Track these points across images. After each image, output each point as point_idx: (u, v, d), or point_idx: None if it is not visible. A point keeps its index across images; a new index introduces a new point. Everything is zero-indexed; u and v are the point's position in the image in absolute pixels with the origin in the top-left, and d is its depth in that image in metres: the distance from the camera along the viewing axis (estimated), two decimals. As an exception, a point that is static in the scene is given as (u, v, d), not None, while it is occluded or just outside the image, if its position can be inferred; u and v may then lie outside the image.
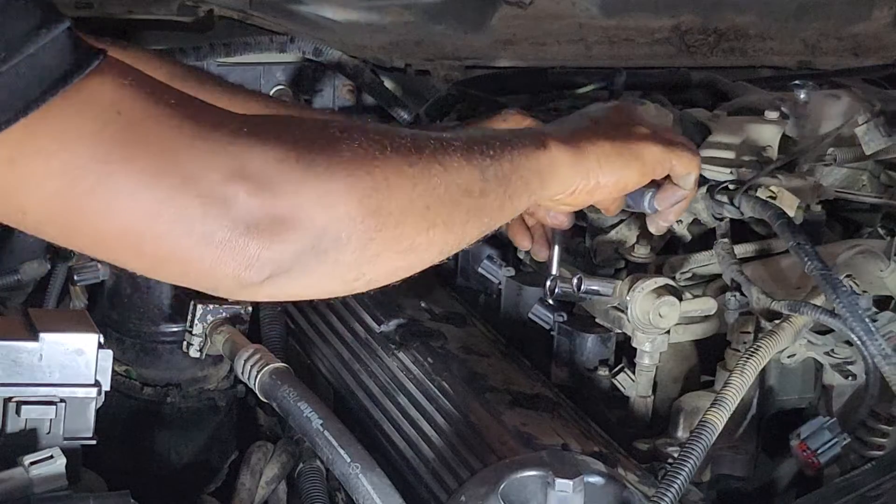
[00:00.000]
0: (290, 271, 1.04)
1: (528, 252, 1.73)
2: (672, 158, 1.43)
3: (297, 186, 1.02)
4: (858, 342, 1.39)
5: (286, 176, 1.02)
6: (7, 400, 1.36)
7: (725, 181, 1.62)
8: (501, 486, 1.29)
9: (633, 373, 1.57)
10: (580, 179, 1.33)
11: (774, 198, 1.60)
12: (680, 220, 1.67)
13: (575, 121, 1.40)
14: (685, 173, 1.46)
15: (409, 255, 1.14)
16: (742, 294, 1.52)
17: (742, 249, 1.64)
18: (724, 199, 1.58)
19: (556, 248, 1.62)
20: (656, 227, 1.54)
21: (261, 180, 1.00)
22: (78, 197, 0.97)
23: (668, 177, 1.46)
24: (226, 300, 1.70)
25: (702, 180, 1.64)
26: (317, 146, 1.05)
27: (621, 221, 1.70)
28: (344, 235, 1.05)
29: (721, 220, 1.60)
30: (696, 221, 1.68)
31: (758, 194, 1.59)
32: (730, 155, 1.89)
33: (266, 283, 1.04)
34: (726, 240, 1.58)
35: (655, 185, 1.47)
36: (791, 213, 1.57)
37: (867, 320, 1.37)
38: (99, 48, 1.00)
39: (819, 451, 1.47)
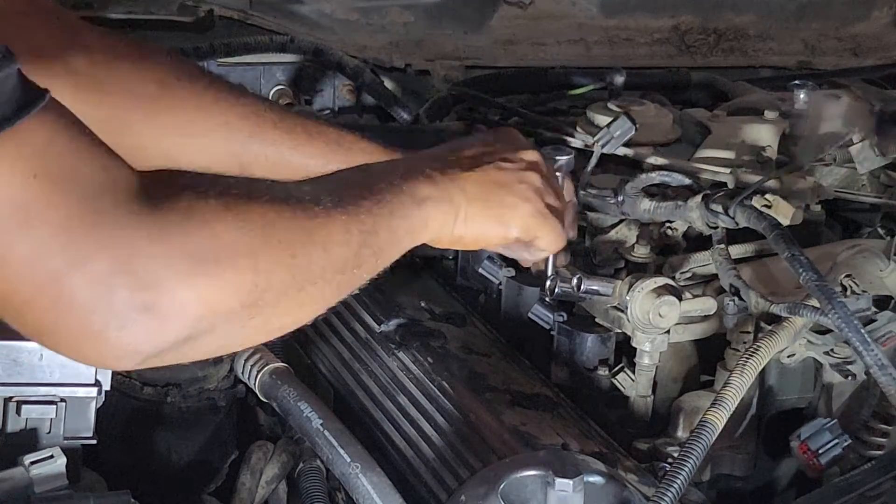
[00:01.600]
0: (161, 356, 1.06)
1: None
2: (538, 234, 1.42)
3: (178, 285, 1.03)
4: (855, 353, 1.40)
5: (169, 275, 1.03)
6: (7, 399, 1.36)
7: (720, 191, 1.62)
8: (501, 486, 1.29)
9: (633, 372, 1.57)
10: (446, 233, 1.33)
11: (770, 206, 1.60)
12: (675, 228, 1.67)
13: (462, 157, 1.38)
14: (543, 250, 1.47)
15: (277, 331, 1.16)
16: (741, 298, 1.52)
17: (741, 249, 1.64)
18: (719, 208, 1.58)
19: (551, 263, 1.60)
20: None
21: (143, 277, 1.01)
22: None
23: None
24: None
25: (697, 187, 1.65)
26: (205, 238, 1.05)
27: (621, 221, 1.71)
28: (217, 325, 1.07)
29: (715, 228, 1.61)
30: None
31: (753, 202, 1.59)
32: (729, 155, 1.89)
33: (142, 363, 1.06)
34: (723, 246, 1.59)
35: None
36: (786, 222, 1.57)
37: (863, 331, 1.37)
38: (41, 91, 0.99)
39: (820, 453, 1.47)
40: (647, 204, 1.66)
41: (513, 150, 1.43)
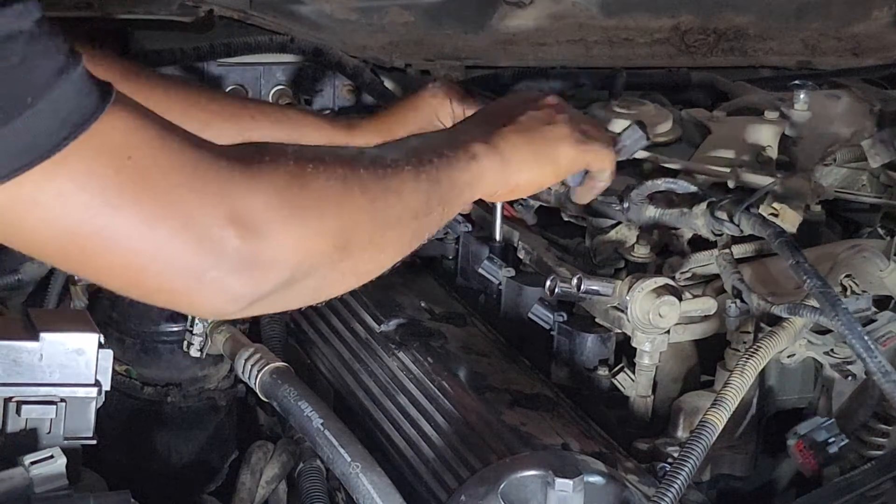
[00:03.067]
0: (265, 300, 1.14)
1: (527, 252, 1.73)
2: (587, 157, 1.52)
3: (280, 231, 1.12)
4: (859, 359, 1.40)
5: (271, 222, 1.11)
6: (7, 400, 1.36)
7: (725, 198, 1.62)
8: (501, 486, 1.29)
9: (633, 373, 1.57)
10: (502, 184, 1.42)
11: (777, 215, 1.61)
12: (681, 236, 1.68)
13: (497, 117, 1.47)
14: (599, 170, 1.55)
15: (365, 275, 1.25)
16: (742, 301, 1.52)
17: (741, 249, 1.64)
18: (724, 216, 1.59)
19: (498, 209, 1.74)
20: (574, 202, 1.65)
21: (249, 226, 1.09)
22: (87, 236, 1.04)
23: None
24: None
25: (701, 196, 1.65)
26: (295, 188, 1.14)
27: (621, 221, 1.71)
28: (314, 268, 1.16)
29: (720, 235, 1.61)
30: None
31: (761, 210, 1.60)
32: (730, 155, 1.89)
33: (242, 311, 1.14)
34: (727, 251, 1.59)
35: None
36: (793, 230, 1.58)
37: (866, 337, 1.37)
38: (108, 85, 1.05)
39: (816, 451, 1.47)
40: (652, 211, 1.67)
41: (534, 101, 1.53)
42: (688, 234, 1.68)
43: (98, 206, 1.03)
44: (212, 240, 1.08)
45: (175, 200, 1.06)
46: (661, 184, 1.69)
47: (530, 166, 1.44)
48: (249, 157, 1.13)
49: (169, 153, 1.08)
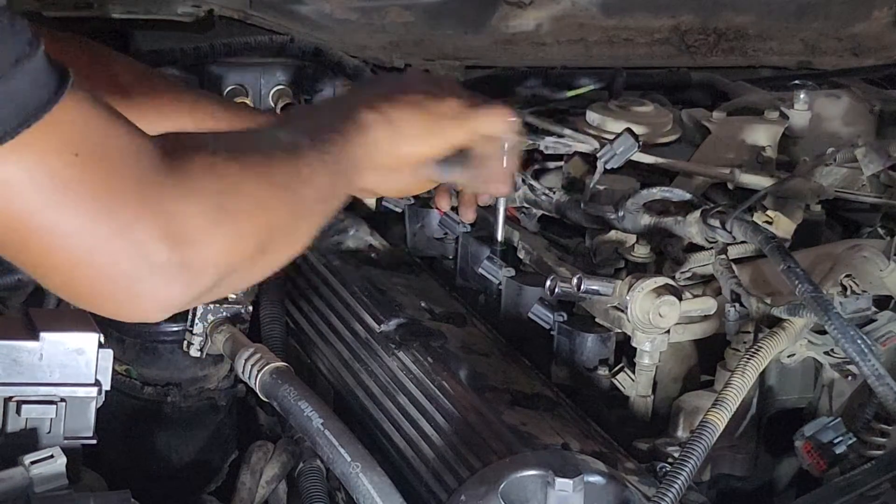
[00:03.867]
0: (192, 302, 1.17)
1: (527, 252, 1.73)
2: (476, 119, 1.51)
3: (210, 239, 1.13)
4: (853, 363, 1.40)
5: (202, 230, 1.12)
6: (7, 399, 1.36)
7: (718, 206, 1.63)
8: (501, 486, 1.29)
9: (633, 372, 1.57)
10: (389, 152, 1.44)
11: (771, 223, 1.61)
12: (673, 245, 1.68)
13: (389, 87, 1.50)
14: (496, 130, 1.53)
15: (279, 266, 1.26)
16: (742, 305, 1.53)
17: (741, 249, 1.64)
18: (717, 223, 1.59)
19: (501, 211, 1.72)
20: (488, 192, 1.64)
21: (181, 237, 1.11)
22: (29, 229, 1.05)
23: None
24: (225, 299, 1.70)
25: (696, 203, 1.65)
26: (226, 193, 1.15)
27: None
28: (238, 269, 1.18)
29: (714, 242, 1.61)
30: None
31: (755, 218, 1.60)
32: (730, 155, 1.89)
33: (170, 311, 1.16)
34: (724, 256, 1.59)
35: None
36: (787, 237, 1.59)
37: (860, 341, 1.37)
38: (66, 72, 1.06)
39: (825, 451, 1.47)
40: (647, 219, 1.67)
41: (431, 81, 1.56)
42: (683, 242, 1.68)
43: (43, 200, 1.04)
44: (146, 249, 1.09)
45: (115, 207, 1.07)
46: (657, 192, 1.69)
47: (422, 137, 1.46)
48: (182, 157, 1.13)
49: (113, 153, 1.08)
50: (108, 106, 1.10)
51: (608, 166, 1.73)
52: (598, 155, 1.73)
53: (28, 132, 1.02)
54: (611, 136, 1.77)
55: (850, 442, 1.48)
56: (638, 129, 1.79)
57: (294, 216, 1.25)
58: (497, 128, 1.53)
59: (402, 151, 1.45)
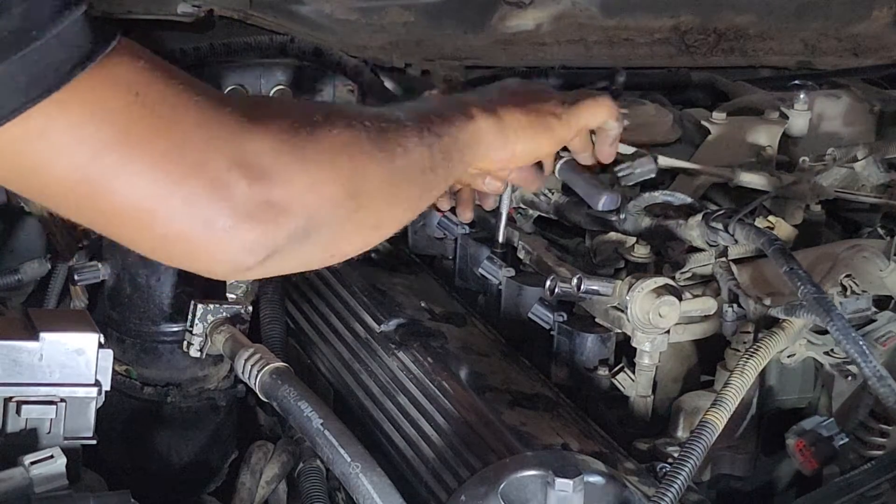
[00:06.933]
0: (281, 252, 1.12)
1: (527, 252, 1.73)
2: (581, 114, 1.52)
3: (291, 175, 1.10)
4: (854, 364, 1.40)
5: (281, 165, 1.10)
6: (7, 400, 1.36)
7: (721, 209, 1.63)
8: (501, 486, 1.29)
9: (633, 373, 1.57)
10: (499, 149, 1.43)
11: (772, 228, 1.62)
12: (673, 248, 1.68)
13: (491, 91, 1.50)
14: (601, 121, 1.55)
15: (377, 230, 1.25)
16: (739, 305, 1.53)
17: (740, 249, 1.65)
18: (719, 226, 1.59)
19: (503, 217, 1.72)
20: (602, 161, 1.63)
21: (259, 170, 1.08)
22: (98, 172, 1.03)
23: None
24: (225, 299, 1.70)
25: (697, 207, 1.66)
26: (303, 134, 1.13)
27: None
28: (329, 217, 1.15)
29: (715, 245, 1.62)
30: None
31: (756, 223, 1.60)
32: (730, 155, 1.89)
33: (259, 265, 1.12)
34: (724, 259, 1.59)
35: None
36: (788, 243, 1.59)
37: (861, 343, 1.38)
38: (111, 27, 1.05)
39: (815, 450, 1.47)
40: (648, 222, 1.67)
41: (527, 83, 1.55)
42: (684, 245, 1.68)
43: (108, 141, 1.02)
44: (222, 183, 1.06)
45: (183, 141, 1.05)
46: (658, 196, 1.69)
47: (527, 132, 1.45)
48: (255, 105, 1.12)
49: (176, 92, 1.06)
50: (163, 59, 1.08)
51: (623, 183, 1.73)
52: (615, 170, 1.73)
53: (84, 75, 1.01)
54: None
55: (843, 442, 1.48)
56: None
57: (386, 174, 1.21)
58: (602, 118, 1.55)
59: (509, 149, 1.44)
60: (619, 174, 1.73)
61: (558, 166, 1.61)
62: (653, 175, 1.73)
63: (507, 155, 1.44)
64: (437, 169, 1.29)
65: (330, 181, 1.14)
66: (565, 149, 1.58)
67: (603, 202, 1.58)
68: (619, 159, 1.71)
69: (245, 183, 1.06)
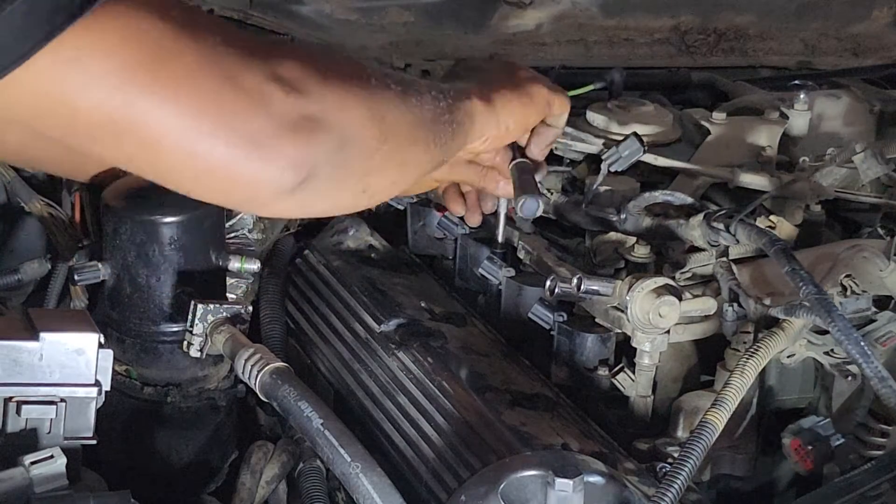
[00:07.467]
0: (318, 175, 1.14)
1: (527, 252, 1.73)
2: (555, 96, 1.56)
3: (322, 90, 1.13)
4: (856, 365, 1.40)
5: (313, 81, 1.12)
6: (7, 400, 1.36)
7: (722, 210, 1.63)
8: (501, 486, 1.29)
9: (633, 373, 1.57)
10: (493, 126, 1.46)
11: (774, 228, 1.62)
12: (674, 248, 1.68)
13: (477, 76, 1.51)
14: (560, 113, 1.58)
15: (403, 168, 1.27)
16: (740, 305, 1.53)
17: (741, 249, 1.65)
18: (720, 226, 1.59)
19: (502, 218, 1.72)
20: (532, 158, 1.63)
21: (293, 83, 1.10)
22: (133, 95, 1.02)
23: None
24: (225, 299, 1.70)
25: (697, 207, 1.66)
26: (327, 61, 1.17)
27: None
28: (358, 138, 1.17)
29: (717, 245, 1.62)
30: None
31: (758, 223, 1.60)
32: (730, 155, 1.89)
33: (298, 189, 1.12)
34: (724, 259, 1.59)
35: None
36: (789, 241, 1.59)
37: (863, 344, 1.38)
38: None
39: (810, 450, 1.47)
40: (648, 222, 1.67)
41: (503, 63, 1.61)
42: (685, 245, 1.68)
43: (141, 61, 1.02)
44: (257, 95, 1.07)
45: (218, 55, 1.05)
46: (659, 195, 1.69)
47: (514, 105, 1.48)
48: (277, 39, 1.15)
49: (205, 16, 1.08)
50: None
51: (612, 169, 1.72)
52: (602, 157, 1.73)
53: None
54: (618, 138, 1.77)
55: (839, 442, 1.48)
56: (642, 130, 1.79)
57: (408, 117, 1.24)
58: (563, 109, 1.58)
59: (502, 125, 1.47)
60: (609, 161, 1.72)
61: (510, 166, 1.59)
62: (641, 154, 1.72)
63: (500, 131, 1.47)
64: (443, 124, 1.32)
65: (356, 105, 1.17)
66: (523, 154, 1.59)
67: (521, 206, 1.52)
68: (607, 144, 1.71)
69: (283, 95, 1.08)
